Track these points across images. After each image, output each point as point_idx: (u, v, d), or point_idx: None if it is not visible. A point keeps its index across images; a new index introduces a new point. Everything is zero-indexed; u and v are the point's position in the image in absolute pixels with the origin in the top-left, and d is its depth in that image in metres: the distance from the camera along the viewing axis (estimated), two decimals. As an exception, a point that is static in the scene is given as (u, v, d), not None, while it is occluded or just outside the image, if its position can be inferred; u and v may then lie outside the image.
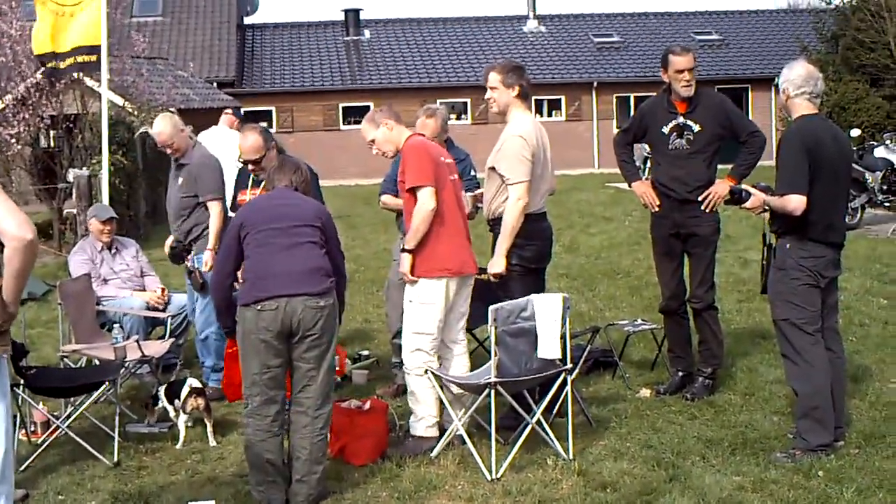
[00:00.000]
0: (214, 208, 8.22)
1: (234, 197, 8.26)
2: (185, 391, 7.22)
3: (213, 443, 7.20)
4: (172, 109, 8.99)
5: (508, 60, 7.45)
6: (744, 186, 6.72)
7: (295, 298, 5.91)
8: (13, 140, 19.01)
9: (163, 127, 8.40)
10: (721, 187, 7.56)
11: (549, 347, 6.55)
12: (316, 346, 6.00)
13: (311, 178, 6.73)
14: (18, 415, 7.04)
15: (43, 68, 11.52)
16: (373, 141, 7.16)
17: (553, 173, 7.42)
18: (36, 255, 4.35)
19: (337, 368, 6.93)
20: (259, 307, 5.91)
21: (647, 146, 10.51)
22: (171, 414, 7.36)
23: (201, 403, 7.24)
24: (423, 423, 6.88)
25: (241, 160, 7.72)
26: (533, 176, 7.06)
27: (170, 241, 8.54)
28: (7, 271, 4.32)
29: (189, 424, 7.28)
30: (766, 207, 6.56)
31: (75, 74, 17.85)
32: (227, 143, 11.53)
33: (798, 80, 6.49)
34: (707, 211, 7.65)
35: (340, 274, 6.34)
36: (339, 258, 6.36)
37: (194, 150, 8.55)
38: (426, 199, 6.68)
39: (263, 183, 6.78)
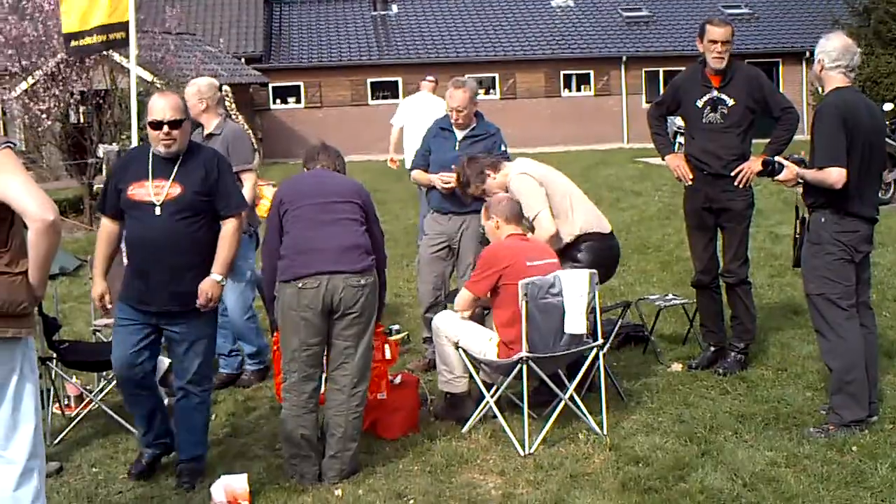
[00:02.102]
0: (249, 180, 7.92)
1: None
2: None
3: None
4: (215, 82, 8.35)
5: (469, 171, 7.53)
6: (777, 159, 6.65)
7: (336, 276, 5.91)
8: (44, 115, 19.11)
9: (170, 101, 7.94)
10: (755, 163, 7.51)
11: (575, 323, 6.53)
12: (355, 324, 5.99)
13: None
14: (52, 388, 7.10)
15: (69, 47, 11.48)
16: (482, 226, 7.25)
17: (575, 195, 7.47)
18: (59, 235, 4.33)
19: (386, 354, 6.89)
20: (300, 284, 5.90)
21: (676, 120, 10.44)
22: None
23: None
24: (453, 379, 6.90)
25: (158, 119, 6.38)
26: (563, 207, 7.22)
27: None
28: (31, 255, 4.33)
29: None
30: (800, 181, 6.49)
31: (104, 51, 17.95)
32: (430, 108, 12.94)
33: (834, 52, 6.40)
34: (740, 186, 7.59)
35: (380, 252, 6.33)
36: (379, 237, 6.36)
37: (226, 122, 8.20)
38: (461, 303, 6.87)
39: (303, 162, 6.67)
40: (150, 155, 6.00)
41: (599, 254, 7.22)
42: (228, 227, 6.04)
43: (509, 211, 6.90)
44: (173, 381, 6.37)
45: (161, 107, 5.92)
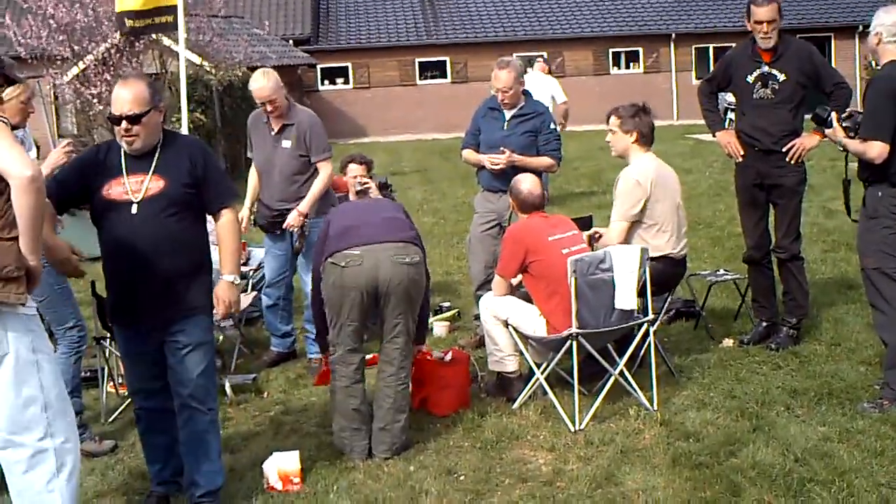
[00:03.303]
0: (327, 169, 7.77)
1: None
2: None
3: (230, 395, 7.26)
4: (266, 67, 8.19)
5: (631, 104, 7.37)
6: (833, 115, 6.55)
7: (379, 249, 5.93)
8: (95, 100, 19.33)
9: (264, 82, 7.67)
10: (808, 140, 7.44)
11: (625, 298, 6.52)
12: (403, 300, 6.02)
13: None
14: (106, 367, 7.18)
15: (123, 27, 11.57)
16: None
17: (682, 214, 7.39)
18: (41, 194, 4.24)
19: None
20: (343, 263, 5.93)
21: (727, 97, 10.34)
22: None
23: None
24: (504, 359, 6.91)
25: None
26: (655, 219, 7.11)
27: (250, 206, 8.15)
28: (17, 217, 4.24)
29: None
30: (841, 148, 6.44)
31: (154, 35, 18.08)
32: (542, 87, 15.36)
33: (894, 27, 6.28)
34: (792, 162, 7.52)
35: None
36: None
37: (296, 108, 7.98)
38: (497, 288, 6.91)
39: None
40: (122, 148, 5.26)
41: (656, 276, 7.08)
42: (228, 219, 5.38)
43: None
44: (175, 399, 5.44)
45: (121, 99, 5.13)
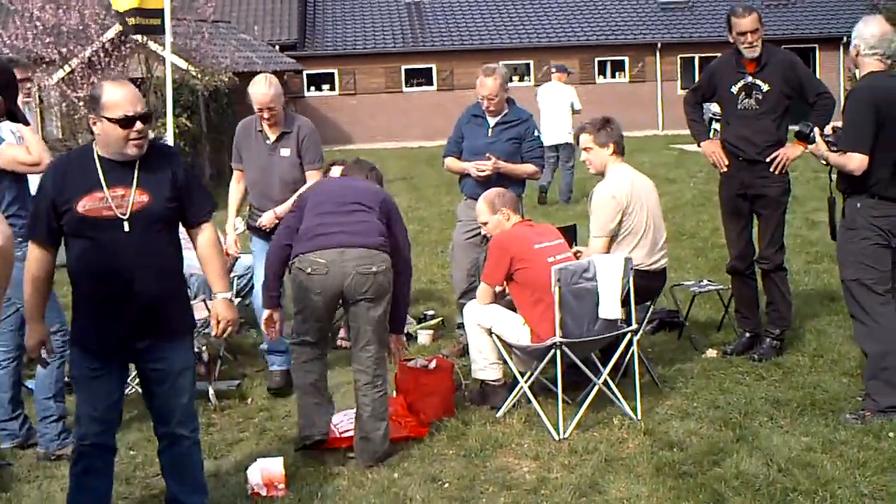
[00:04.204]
0: (315, 178, 7.47)
1: None
2: None
3: (214, 401, 7.27)
4: (267, 73, 7.93)
5: (594, 119, 7.39)
6: (816, 130, 6.58)
7: (344, 259, 5.92)
8: (80, 103, 19.25)
9: (266, 89, 7.38)
10: (791, 150, 7.47)
11: (610, 308, 6.53)
12: (372, 308, 6.03)
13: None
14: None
15: (126, 25, 11.58)
16: (485, 223, 7.15)
17: (658, 226, 7.34)
18: (6, 263, 3.86)
19: None
20: (309, 270, 5.96)
21: (712, 107, 10.38)
22: None
23: (201, 369, 7.43)
24: (487, 367, 6.91)
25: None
26: (629, 231, 7.09)
27: (241, 221, 7.96)
28: None
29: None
30: (824, 162, 6.47)
31: (139, 38, 18.07)
32: (561, 94, 17.16)
33: (872, 39, 6.32)
34: (776, 173, 7.56)
35: (401, 255, 6.30)
36: (402, 240, 6.35)
37: (293, 115, 7.82)
38: (482, 296, 6.87)
39: None
40: (97, 158, 4.82)
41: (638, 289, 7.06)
42: (209, 234, 5.10)
43: (512, 201, 7.13)
44: (156, 428, 5.20)
45: (128, 98, 4.77)
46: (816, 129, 6.55)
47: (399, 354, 6.66)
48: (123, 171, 4.79)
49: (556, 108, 17.09)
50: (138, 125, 4.76)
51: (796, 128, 6.72)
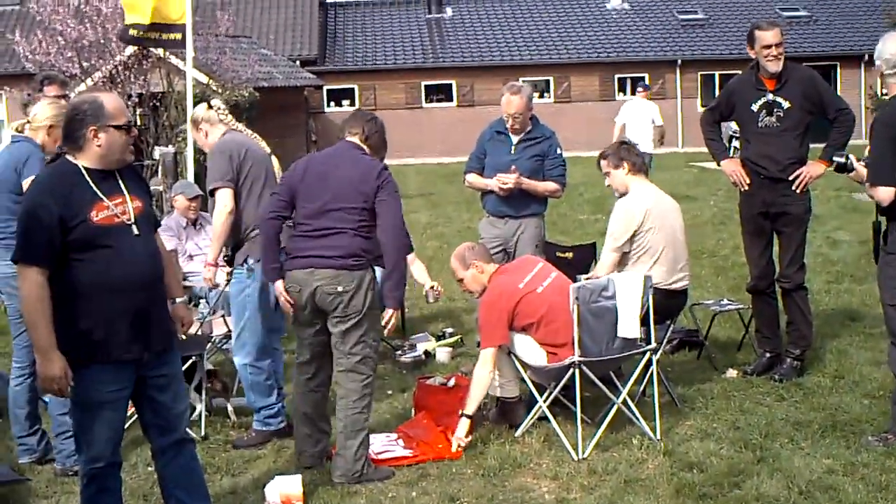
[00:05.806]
0: (220, 197, 6.72)
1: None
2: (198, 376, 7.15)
3: (233, 418, 7.26)
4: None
5: (613, 143, 7.46)
6: (851, 157, 6.50)
7: (313, 280, 5.97)
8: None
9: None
10: (813, 168, 7.43)
11: (628, 327, 6.50)
12: (339, 323, 6.03)
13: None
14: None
15: (126, 35, 11.64)
16: (461, 280, 7.08)
17: (680, 245, 7.31)
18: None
19: None
20: (288, 287, 6.12)
21: (732, 124, 10.32)
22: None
23: (218, 385, 7.47)
24: (504, 384, 6.84)
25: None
26: (644, 249, 7.06)
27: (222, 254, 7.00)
28: None
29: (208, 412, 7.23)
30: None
31: (161, 52, 18.11)
32: (644, 110, 18.85)
33: (893, 58, 6.16)
34: (798, 191, 7.51)
35: (390, 235, 6.00)
36: (389, 219, 6.00)
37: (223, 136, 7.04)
38: (485, 362, 6.59)
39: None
40: (83, 171, 4.70)
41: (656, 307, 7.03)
42: (161, 241, 5.19)
43: (482, 252, 7.06)
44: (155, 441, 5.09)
45: (123, 105, 4.80)
46: (853, 157, 6.47)
47: (390, 330, 6.34)
48: (110, 182, 4.76)
49: (640, 122, 18.69)
50: (133, 131, 4.85)
51: (835, 162, 6.60)
